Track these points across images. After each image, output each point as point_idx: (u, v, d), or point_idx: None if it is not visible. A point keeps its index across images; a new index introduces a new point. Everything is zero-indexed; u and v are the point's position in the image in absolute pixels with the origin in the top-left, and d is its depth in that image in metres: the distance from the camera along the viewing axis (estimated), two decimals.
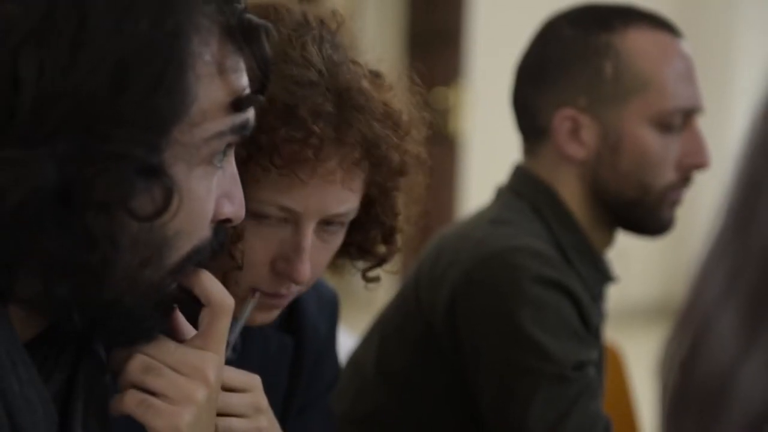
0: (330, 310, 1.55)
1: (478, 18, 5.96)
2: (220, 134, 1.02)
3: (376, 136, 1.29)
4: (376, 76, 1.34)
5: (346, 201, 1.31)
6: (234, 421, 1.21)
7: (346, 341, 2.33)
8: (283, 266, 1.30)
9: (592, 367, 1.70)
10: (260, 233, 1.30)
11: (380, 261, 1.43)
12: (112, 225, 0.95)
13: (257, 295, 1.32)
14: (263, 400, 1.25)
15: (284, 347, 1.47)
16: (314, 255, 1.32)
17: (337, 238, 1.35)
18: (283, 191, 1.27)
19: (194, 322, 1.29)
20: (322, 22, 1.33)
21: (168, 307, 1.07)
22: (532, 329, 1.66)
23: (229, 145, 1.05)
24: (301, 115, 1.24)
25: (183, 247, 1.02)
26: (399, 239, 1.42)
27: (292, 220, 1.30)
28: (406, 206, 1.40)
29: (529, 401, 1.65)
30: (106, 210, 0.94)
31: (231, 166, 1.07)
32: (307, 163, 1.26)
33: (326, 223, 1.32)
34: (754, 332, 0.59)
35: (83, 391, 1.08)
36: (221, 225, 1.07)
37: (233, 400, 1.21)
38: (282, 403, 1.44)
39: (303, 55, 1.28)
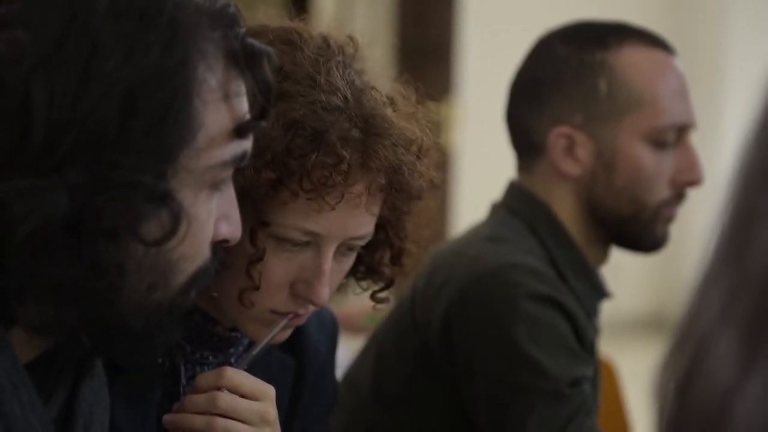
0: (329, 332, 1.55)
1: (469, 32, 5.96)
2: (224, 163, 1.02)
3: (400, 161, 1.30)
4: (392, 102, 1.35)
5: (367, 224, 1.32)
6: (237, 426, 1.21)
7: (341, 357, 2.33)
8: (302, 288, 1.30)
9: (588, 384, 1.70)
10: (281, 256, 1.30)
11: (388, 282, 1.43)
12: (120, 252, 0.96)
13: (286, 318, 1.32)
14: (272, 412, 1.25)
15: (286, 367, 1.46)
16: (330, 277, 1.33)
17: (350, 260, 1.36)
18: (308, 216, 1.27)
19: (202, 337, 1.32)
20: (342, 47, 1.33)
21: (181, 317, 1.07)
22: (527, 346, 1.66)
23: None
24: (331, 140, 1.24)
25: (187, 270, 1.03)
26: (407, 262, 1.42)
27: (314, 243, 1.30)
28: (416, 229, 1.41)
29: (526, 419, 1.65)
30: (115, 237, 0.95)
31: (229, 188, 1.07)
32: (336, 188, 1.26)
33: (346, 247, 1.33)
34: (753, 357, 0.59)
35: (84, 415, 1.08)
36: (218, 245, 1.07)
37: (241, 405, 1.22)
38: (283, 423, 1.45)
39: (328, 81, 1.28)
